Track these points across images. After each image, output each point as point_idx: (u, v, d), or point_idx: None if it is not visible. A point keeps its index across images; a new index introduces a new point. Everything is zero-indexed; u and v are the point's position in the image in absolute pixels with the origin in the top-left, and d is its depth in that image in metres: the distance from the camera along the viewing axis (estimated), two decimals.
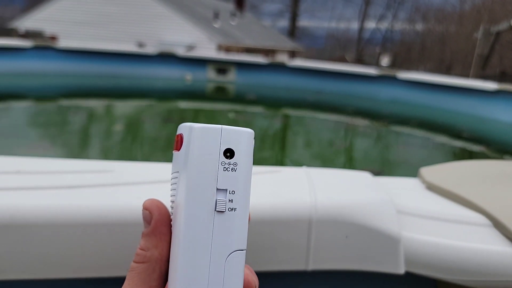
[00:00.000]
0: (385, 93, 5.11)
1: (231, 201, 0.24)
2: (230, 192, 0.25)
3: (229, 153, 0.25)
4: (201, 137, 0.25)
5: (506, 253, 0.50)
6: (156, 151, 2.53)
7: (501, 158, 3.03)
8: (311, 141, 3.18)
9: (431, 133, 3.78)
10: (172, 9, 17.09)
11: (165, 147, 2.56)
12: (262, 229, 0.48)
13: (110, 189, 0.48)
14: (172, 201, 0.27)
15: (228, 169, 0.25)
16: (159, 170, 0.55)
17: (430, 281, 0.57)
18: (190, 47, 16.20)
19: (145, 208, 0.27)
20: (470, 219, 0.54)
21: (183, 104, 4.44)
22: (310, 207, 0.49)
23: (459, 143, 3.38)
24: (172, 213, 0.27)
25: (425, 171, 0.68)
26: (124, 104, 4.08)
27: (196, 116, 3.86)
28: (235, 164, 0.25)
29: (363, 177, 0.62)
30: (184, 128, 0.26)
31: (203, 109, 4.30)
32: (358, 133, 3.59)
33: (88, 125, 3.09)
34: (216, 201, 0.24)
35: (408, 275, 0.51)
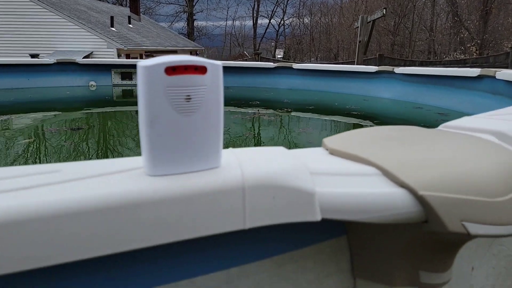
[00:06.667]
0: (283, 83, 5.49)
1: None
2: None
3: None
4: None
5: (392, 193, 0.65)
6: (72, 156, 2.44)
7: None
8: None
9: (327, 114, 4.15)
10: (65, 15, 15.85)
11: (80, 153, 2.48)
12: (205, 199, 0.57)
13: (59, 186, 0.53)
14: None
15: None
16: (100, 166, 0.61)
17: (339, 223, 0.71)
18: (89, 54, 15.23)
19: None
20: (365, 172, 0.69)
21: (90, 110, 4.27)
22: (242, 179, 0.59)
23: (352, 120, 3.77)
24: None
25: (327, 140, 0.83)
26: (28, 117, 3.82)
27: (105, 120, 3.74)
28: None
29: (280, 150, 0.74)
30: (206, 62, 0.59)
31: (109, 112, 4.17)
32: (264, 121, 3.79)
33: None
34: None
35: (323, 221, 0.64)
